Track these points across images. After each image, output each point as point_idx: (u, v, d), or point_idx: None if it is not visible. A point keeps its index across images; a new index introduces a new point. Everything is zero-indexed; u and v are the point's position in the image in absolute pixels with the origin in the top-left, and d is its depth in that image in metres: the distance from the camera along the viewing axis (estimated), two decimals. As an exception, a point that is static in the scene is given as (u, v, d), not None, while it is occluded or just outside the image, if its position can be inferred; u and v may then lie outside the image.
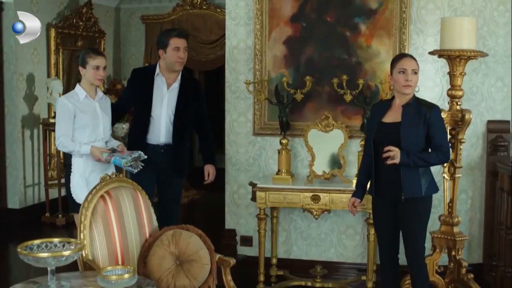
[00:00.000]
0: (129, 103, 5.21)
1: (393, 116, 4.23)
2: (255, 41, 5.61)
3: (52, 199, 7.81)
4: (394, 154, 4.04)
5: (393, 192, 4.22)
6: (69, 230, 7.63)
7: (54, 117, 7.70)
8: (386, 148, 4.08)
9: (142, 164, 4.54)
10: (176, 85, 4.98)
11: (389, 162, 4.06)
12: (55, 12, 8.08)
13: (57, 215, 7.70)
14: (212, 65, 9.25)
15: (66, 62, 8.37)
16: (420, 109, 4.13)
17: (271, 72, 5.61)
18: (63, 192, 7.77)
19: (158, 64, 5.02)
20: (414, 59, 4.25)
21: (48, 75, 7.99)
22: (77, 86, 4.69)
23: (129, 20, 9.63)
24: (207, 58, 9.16)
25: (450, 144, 4.76)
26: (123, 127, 7.29)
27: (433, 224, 5.41)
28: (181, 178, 5.24)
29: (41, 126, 7.83)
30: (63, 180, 7.81)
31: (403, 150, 4.06)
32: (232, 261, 3.89)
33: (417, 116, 4.12)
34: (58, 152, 7.93)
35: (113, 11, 9.48)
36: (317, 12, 5.52)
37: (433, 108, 4.17)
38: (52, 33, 7.98)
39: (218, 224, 6.29)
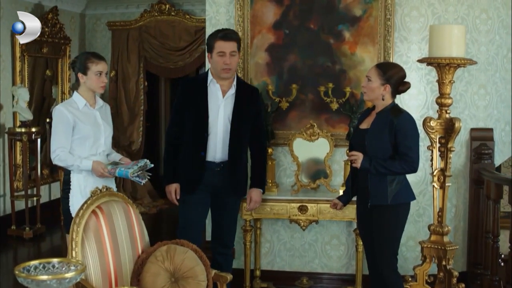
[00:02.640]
0: (186, 119, 4.65)
1: (367, 122, 4.29)
2: (237, 48, 5.48)
3: (18, 211, 7.51)
4: (355, 158, 4.13)
5: (364, 198, 4.25)
6: (37, 243, 7.40)
7: (19, 127, 7.49)
8: (350, 153, 4.22)
9: (150, 174, 4.25)
10: (232, 92, 4.58)
11: (353, 165, 4.19)
12: (20, 18, 7.80)
13: (24, 227, 7.41)
14: (181, 73, 9.05)
15: (29, 69, 8.11)
16: (389, 116, 4.13)
17: (253, 80, 5.49)
18: (30, 204, 7.52)
19: (209, 70, 4.65)
20: (376, 66, 4.29)
21: (13, 83, 7.71)
22: (75, 93, 4.36)
23: (95, 27, 9.39)
24: (175, 65, 8.99)
25: (439, 153, 4.73)
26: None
27: (418, 233, 5.41)
28: (239, 198, 4.82)
29: (6, 135, 7.54)
30: (30, 191, 7.64)
31: (367, 156, 4.10)
32: (229, 276, 3.76)
33: (384, 123, 4.13)
34: (23, 162, 7.66)
35: (78, 17, 9.23)
36: (300, 19, 5.43)
37: (400, 116, 4.15)
38: (17, 39, 7.70)
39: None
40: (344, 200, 4.50)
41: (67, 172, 4.35)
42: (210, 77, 4.59)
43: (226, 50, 4.46)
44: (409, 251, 5.45)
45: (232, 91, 4.59)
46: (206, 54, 4.64)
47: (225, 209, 4.71)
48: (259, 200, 4.81)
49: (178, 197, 4.63)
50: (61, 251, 6.89)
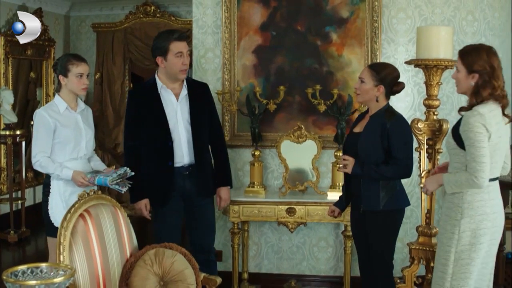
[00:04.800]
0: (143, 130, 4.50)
1: (361, 126, 4.21)
2: (224, 50, 5.46)
3: (2, 215, 7.45)
4: (346, 164, 4.06)
5: (359, 204, 4.17)
6: (22, 247, 7.32)
7: (4, 129, 7.41)
8: (341, 157, 4.14)
9: (130, 182, 4.19)
10: (184, 93, 4.47)
11: (341, 170, 4.13)
12: (4, 20, 7.73)
13: (9, 231, 7.33)
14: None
15: (13, 71, 8.02)
16: (382, 119, 4.06)
17: (240, 82, 5.48)
18: (15, 207, 7.45)
19: (156, 76, 4.50)
20: (369, 67, 4.22)
21: (-3, 85, 7.63)
22: (56, 96, 4.34)
23: (79, 28, 9.30)
24: (161, 67, 8.91)
25: (426, 155, 4.73)
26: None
27: (406, 234, 5.41)
28: (209, 199, 4.67)
29: (-10, 138, 7.46)
30: (15, 194, 7.56)
31: (359, 161, 4.03)
32: (218, 279, 3.75)
33: (377, 126, 4.06)
34: (8, 165, 7.59)
35: (63, 18, 9.15)
36: (287, 21, 5.42)
37: (393, 118, 4.07)
38: (1, 41, 7.63)
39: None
40: (341, 206, 4.43)
41: (47, 175, 4.33)
42: (159, 83, 4.47)
43: (183, 50, 4.37)
44: (397, 253, 5.37)
45: (184, 92, 4.49)
46: (155, 58, 4.45)
47: (199, 213, 4.61)
48: (228, 197, 4.72)
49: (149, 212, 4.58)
50: (46, 255, 6.80)
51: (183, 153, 4.47)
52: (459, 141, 3.55)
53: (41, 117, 4.25)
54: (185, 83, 4.51)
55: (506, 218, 5.23)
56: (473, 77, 3.54)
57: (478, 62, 3.52)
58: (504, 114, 3.58)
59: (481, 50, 3.57)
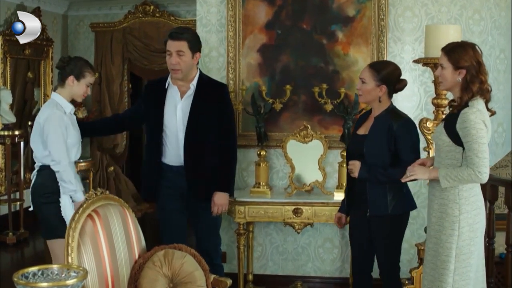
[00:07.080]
0: (139, 116, 4.60)
1: (365, 128, 4.12)
2: (228, 49, 5.41)
3: (1, 216, 7.37)
4: (352, 168, 3.97)
5: (362, 207, 4.08)
6: (20, 248, 7.24)
7: (2, 130, 7.32)
8: (350, 162, 4.03)
9: None
10: (190, 92, 4.36)
11: (351, 175, 4.03)
12: (2, 19, 7.65)
13: (7, 233, 7.24)
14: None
15: (11, 71, 7.93)
16: (388, 121, 3.97)
17: (245, 81, 5.42)
18: (13, 208, 7.36)
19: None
20: (369, 66, 4.14)
21: (-5, 85, 7.55)
22: (59, 97, 4.22)
23: (77, 28, 9.21)
24: (160, 67, 8.79)
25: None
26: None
27: (413, 235, 5.36)
28: (210, 203, 4.47)
29: (-12, 139, 7.37)
30: (13, 196, 7.47)
31: (365, 164, 3.94)
32: (229, 281, 3.68)
33: (383, 129, 3.96)
34: (6, 165, 7.49)
35: (61, 18, 9.06)
36: (293, 19, 5.37)
37: (400, 120, 3.97)
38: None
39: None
40: (346, 211, 4.32)
41: (46, 177, 4.20)
42: (168, 79, 4.41)
43: (171, 49, 4.25)
44: (404, 254, 5.32)
45: (191, 91, 4.37)
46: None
47: (200, 216, 4.53)
48: (223, 203, 4.47)
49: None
50: (45, 256, 6.73)
51: (179, 151, 4.39)
52: (455, 138, 3.53)
53: (58, 118, 4.11)
54: (194, 82, 4.39)
55: (500, 219, 5.23)
56: (460, 73, 3.55)
57: (464, 58, 3.53)
58: (487, 109, 3.60)
59: (467, 47, 3.60)
